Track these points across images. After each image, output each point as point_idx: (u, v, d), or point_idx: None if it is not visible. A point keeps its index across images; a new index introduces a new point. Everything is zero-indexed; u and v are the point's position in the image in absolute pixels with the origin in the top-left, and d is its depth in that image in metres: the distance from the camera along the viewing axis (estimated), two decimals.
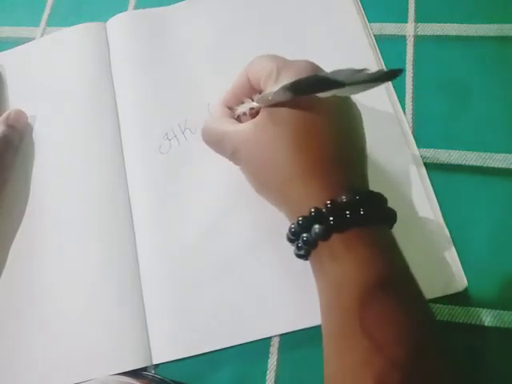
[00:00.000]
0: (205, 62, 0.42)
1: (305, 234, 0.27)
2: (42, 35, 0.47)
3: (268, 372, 0.33)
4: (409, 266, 0.27)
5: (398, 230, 0.28)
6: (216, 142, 0.33)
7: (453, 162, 0.37)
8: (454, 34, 0.41)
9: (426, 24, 0.41)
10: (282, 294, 0.34)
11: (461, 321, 0.33)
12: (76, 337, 0.35)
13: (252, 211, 0.36)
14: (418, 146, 0.37)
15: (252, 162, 0.31)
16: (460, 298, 0.33)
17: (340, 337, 0.26)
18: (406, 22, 0.42)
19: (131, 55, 0.43)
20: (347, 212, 0.26)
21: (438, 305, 0.33)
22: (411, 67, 0.40)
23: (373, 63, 0.40)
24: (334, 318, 0.27)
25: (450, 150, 0.37)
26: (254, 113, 0.32)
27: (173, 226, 0.37)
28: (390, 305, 0.25)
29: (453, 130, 0.38)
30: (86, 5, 0.48)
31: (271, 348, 0.33)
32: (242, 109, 0.33)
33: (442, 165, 0.37)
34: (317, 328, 0.29)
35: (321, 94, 0.27)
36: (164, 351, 0.34)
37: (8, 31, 0.48)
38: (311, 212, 0.27)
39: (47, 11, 0.48)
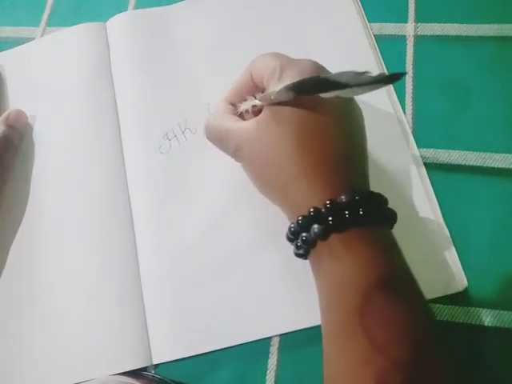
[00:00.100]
0: (205, 61, 0.42)
1: (304, 234, 0.27)
2: (42, 35, 0.47)
3: (268, 372, 0.33)
4: (409, 266, 0.27)
5: (397, 230, 0.28)
6: (218, 138, 0.33)
7: (453, 162, 0.37)
8: (454, 34, 0.41)
9: (426, 24, 0.41)
10: (282, 293, 0.34)
11: (461, 321, 0.33)
12: (76, 337, 0.35)
13: (252, 211, 0.36)
14: (418, 146, 0.37)
15: (254, 160, 0.31)
16: (460, 298, 0.33)
17: (340, 337, 0.26)
18: (406, 22, 0.42)
19: (131, 55, 0.43)
20: (346, 212, 0.26)
21: (438, 305, 0.33)
22: (411, 67, 0.40)
23: (373, 63, 0.40)
24: (335, 317, 0.27)
25: (450, 150, 0.37)
26: (257, 110, 0.32)
27: (173, 226, 0.37)
28: (391, 305, 0.25)
29: (453, 130, 0.38)
30: (86, 5, 0.48)
31: (271, 348, 0.33)
32: (244, 106, 0.33)
33: (442, 165, 0.37)
34: (317, 328, 0.29)
35: (324, 94, 0.27)
36: (164, 351, 0.34)
37: (8, 31, 0.48)
38: (310, 212, 0.27)
39: (47, 11, 0.48)
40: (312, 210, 0.27)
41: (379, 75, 0.24)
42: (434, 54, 0.40)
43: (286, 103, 0.29)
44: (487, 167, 0.36)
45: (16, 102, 0.43)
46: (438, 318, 0.33)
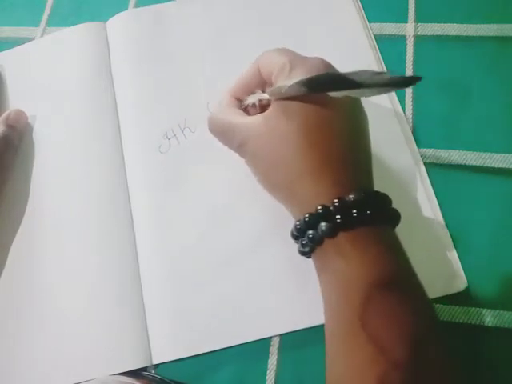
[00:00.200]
0: (204, 61, 0.42)
1: (310, 232, 0.27)
2: (42, 35, 0.47)
3: (268, 372, 0.33)
4: (412, 266, 0.27)
5: (398, 230, 0.28)
6: (222, 132, 0.33)
7: (453, 162, 0.37)
8: (454, 34, 0.41)
9: (426, 24, 0.41)
10: (282, 293, 0.34)
11: (461, 321, 0.33)
12: (76, 337, 0.35)
13: (252, 211, 0.36)
14: (418, 146, 0.37)
15: (260, 155, 0.30)
16: (460, 298, 0.33)
17: (347, 336, 0.26)
18: (406, 22, 0.42)
19: (131, 55, 0.43)
20: (354, 211, 0.26)
21: (438, 305, 0.33)
22: (411, 67, 0.40)
23: (373, 63, 0.40)
24: (341, 316, 0.26)
25: (450, 150, 0.37)
26: (263, 105, 0.32)
27: (173, 226, 0.37)
28: (396, 304, 0.25)
29: (453, 130, 0.38)
30: (86, 5, 0.48)
31: (271, 348, 0.33)
32: (251, 99, 0.33)
33: (442, 165, 0.37)
34: (317, 328, 0.29)
35: (334, 93, 0.27)
36: (164, 351, 0.34)
37: (8, 31, 0.48)
38: (318, 209, 0.27)
39: (47, 11, 0.48)
40: (320, 207, 0.27)
41: (396, 77, 0.24)
42: (434, 54, 0.40)
43: (294, 98, 0.29)
44: (487, 167, 0.36)
45: (16, 101, 0.43)
46: (438, 318, 0.33)
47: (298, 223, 0.28)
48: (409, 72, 0.40)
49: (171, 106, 0.41)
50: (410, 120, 0.38)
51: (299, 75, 0.28)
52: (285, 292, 0.34)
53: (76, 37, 0.45)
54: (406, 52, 0.41)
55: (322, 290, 0.28)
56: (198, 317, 0.34)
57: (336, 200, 0.27)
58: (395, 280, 0.26)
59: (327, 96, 0.27)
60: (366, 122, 0.30)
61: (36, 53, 0.45)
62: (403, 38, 0.41)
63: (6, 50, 0.46)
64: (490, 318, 0.32)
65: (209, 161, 0.38)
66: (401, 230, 0.28)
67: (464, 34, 0.40)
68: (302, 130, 0.28)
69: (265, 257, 0.35)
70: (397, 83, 0.25)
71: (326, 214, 0.27)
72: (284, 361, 0.33)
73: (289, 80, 0.29)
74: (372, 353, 0.24)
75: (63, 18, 0.48)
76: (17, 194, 0.40)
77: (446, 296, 0.33)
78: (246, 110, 0.34)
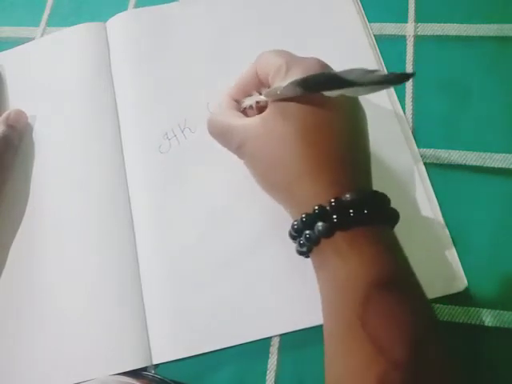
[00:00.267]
0: (204, 61, 0.42)
1: (307, 231, 0.27)
2: (42, 35, 0.47)
3: (268, 372, 0.33)
4: (411, 266, 0.27)
5: (397, 230, 0.28)
6: (221, 134, 0.33)
7: (453, 162, 0.37)
8: (454, 34, 0.41)
9: (426, 24, 0.41)
10: (282, 293, 0.34)
11: (461, 321, 0.33)
12: (76, 337, 0.35)
13: (252, 211, 0.36)
14: (418, 146, 0.37)
15: (258, 156, 0.30)
16: (460, 298, 0.33)
17: (346, 336, 0.26)
18: (406, 22, 0.42)
19: (131, 55, 0.43)
20: (351, 211, 0.26)
21: (438, 305, 0.33)
22: (411, 67, 0.40)
23: (373, 63, 0.40)
24: (340, 316, 0.26)
25: (450, 150, 0.37)
26: (260, 107, 0.32)
27: (173, 226, 0.37)
28: (394, 304, 0.25)
29: (453, 130, 0.38)
30: (86, 5, 0.48)
31: (271, 348, 0.33)
32: (248, 101, 0.33)
33: (441, 165, 0.37)
34: (317, 328, 0.29)
35: (329, 93, 0.27)
36: (164, 351, 0.34)
37: (8, 31, 0.48)
38: (315, 209, 0.27)
39: (47, 11, 0.48)
40: (317, 207, 0.27)
41: (389, 74, 0.24)
42: (434, 54, 0.40)
43: (291, 99, 0.29)
44: (487, 167, 0.36)
45: (16, 101, 0.43)
46: (438, 318, 0.33)
47: (295, 223, 0.28)
48: (412, 72, 0.40)
49: (171, 106, 0.41)
50: (410, 120, 0.38)
51: (295, 76, 0.28)
52: (285, 292, 0.34)
53: (76, 37, 0.45)
54: (405, 52, 0.41)
55: (319, 287, 0.28)
56: (197, 317, 0.34)
57: (333, 200, 0.27)
58: (394, 280, 0.26)
59: (325, 96, 0.27)
60: (365, 121, 0.30)
61: (36, 53, 0.45)
62: (403, 38, 0.41)
63: (6, 49, 0.46)
64: (489, 318, 0.32)
65: (209, 161, 0.38)
66: (401, 230, 0.28)
67: (464, 34, 0.40)
68: (299, 131, 0.28)
69: (264, 257, 0.35)
70: (390, 80, 0.25)
71: (322, 213, 0.27)
72: (284, 361, 0.33)
73: (285, 81, 0.29)
74: (371, 353, 0.24)
75: (63, 18, 0.48)
76: (17, 194, 0.40)
77: (446, 296, 0.33)
78: (244, 111, 0.34)
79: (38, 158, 0.41)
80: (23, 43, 0.46)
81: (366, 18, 0.42)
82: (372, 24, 0.42)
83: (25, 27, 0.48)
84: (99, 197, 0.39)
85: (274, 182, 0.30)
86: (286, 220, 0.30)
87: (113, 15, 0.45)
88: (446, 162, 0.37)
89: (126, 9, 0.46)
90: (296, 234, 0.28)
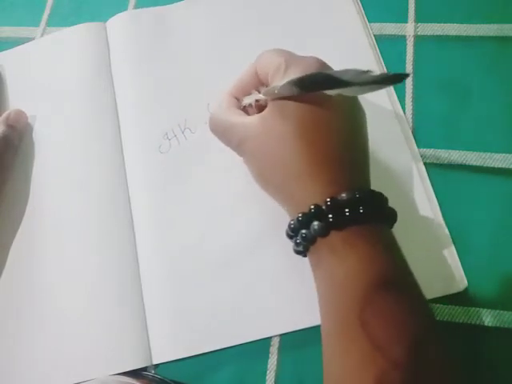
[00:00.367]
0: (204, 61, 0.42)
1: (303, 231, 0.27)
2: (42, 35, 0.47)
3: (268, 372, 0.33)
4: (409, 265, 0.27)
5: (397, 230, 0.28)
6: (222, 131, 0.33)
7: (453, 162, 0.37)
8: (454, 34, 0.41)
9: (426, 24, 0.41)
10: (281, 293, 0.34)
11: (461, 321, 0.33)
12: (76, 337, 0.35)
13: (252, 211, 0.36)
14: (418, 146, 0.37)
15: (257, 154, 0.31)
16: (460, 298, 0.33)
17: (343, 336, 0.26)
18: (406, 22, 0.42)
19: (131, 55, 0.43)
20: (346, 210, 0.26)
21: (438, 305, 0.33)
22: (411, 67, 0.40)
23: (373, 63, 0.40)
24: (338, 316, 0.26)
25: (450, 150, 0.37)
26: (260, 105, 0.32)
27: (173, 226, 0.37)
28: (392, 304, 0.25)
29: (453, 130, 0.38)
30: (86, 5, 0.48)
31: (271, 348, 0.33)
32: (248, 100, 0.33)
33: (441, 165, 0.37)
34: (317, 328, 0.29)
35: (328, 92, 0.27)
36: (164, 351, 0.34)
37: (8, 31, 0.48)
38: (311, 209, 0.27)
39: (47, 11, 0.48)
40: (313, 206, 0.27)
41: (381, 75, 0.24)
42: (434, 54, 0.40)
43: (290, 98, 0.29)
44: (487, 167, 0.36)
45: (16, 101, 0.43)
46: (438, 318, 0.33)
47: (292, 222, 0.28)
48: (409, 72, 0.40)
49: (171, 106, 0.41)
50: (410, 120, 0.38)
51: (294, 75, 0.28)
52: (284, 292, 0.34)
53: (76, 37, 0.45)
54: (405, 52, 0.41)
55: (316, 287, 0.29)
56: (197, 317, 0.34)
57: (328, 199, 0.27)
58: (392, 279, 0.26)
59: (324, 95, 0.27)
60: (364, 121, 0.30)
61: (36, 53, 0.45)
62: (403, 38, 0.41)
63: (6, 49, 0.46)
64: (489, 318, 0.32)
65: (209, 161, 0.38)
66: (400, 230, 0.28)
67: (464, 34, 0.40)
68: (297, 130, 0.28)
69: (264, 257, 0.35)
70: (384, 81, 0.25)
71: (318, 213, 0.27)
72: (284, 361, 0.33)
73: (284, 79, 0.29)
74: (370, 352, 0.24)
75: (63, 18, 0.48)
76: (17, 194, 0.40)
77: (446, 296, 0.33)
78: (244, 110, 0.34)
79: (38, 158, 0.41)
80: (23, 43, 0.46)
81: (365, 18, 0.42)
82: (372, 24, 0.42)
83: (25, 27, 0.48)
84: (99, 197, 0.39)
85: (272, 181, 0.31)
86: (285, 220, 0.30)
87: (113, 15, 0.45)
88: (446, 162, 0.37)
89: (126, 9, 0.46)
90: (293, 233, 0.29)
